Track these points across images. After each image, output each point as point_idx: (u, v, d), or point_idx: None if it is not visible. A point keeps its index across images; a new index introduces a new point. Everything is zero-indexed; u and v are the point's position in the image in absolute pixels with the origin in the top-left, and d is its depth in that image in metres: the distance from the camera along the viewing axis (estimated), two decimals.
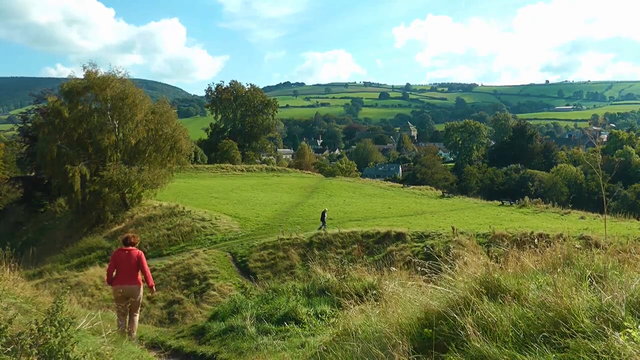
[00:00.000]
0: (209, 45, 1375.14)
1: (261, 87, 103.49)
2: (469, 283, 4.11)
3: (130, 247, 8.59)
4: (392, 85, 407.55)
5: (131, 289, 8.44)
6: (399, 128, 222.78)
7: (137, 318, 8.71)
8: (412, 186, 56.96)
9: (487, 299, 3.72)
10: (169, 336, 9.43)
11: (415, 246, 23.35)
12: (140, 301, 8.78)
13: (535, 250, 4.85)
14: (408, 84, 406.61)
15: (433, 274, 4.89)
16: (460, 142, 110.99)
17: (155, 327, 12.88)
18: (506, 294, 3.74)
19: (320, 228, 27.45)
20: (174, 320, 19.32)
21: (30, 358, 3.95)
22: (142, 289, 8.66)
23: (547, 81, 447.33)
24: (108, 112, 34.27)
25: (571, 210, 35.13)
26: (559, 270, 3.94)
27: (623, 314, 3.06)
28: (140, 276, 8.57)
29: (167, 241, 28.29)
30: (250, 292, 10.06)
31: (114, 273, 8.55)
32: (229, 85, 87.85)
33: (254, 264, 24.00)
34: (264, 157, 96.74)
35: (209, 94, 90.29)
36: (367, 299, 5.80)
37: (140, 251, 8.70)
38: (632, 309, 3.14)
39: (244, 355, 6.95)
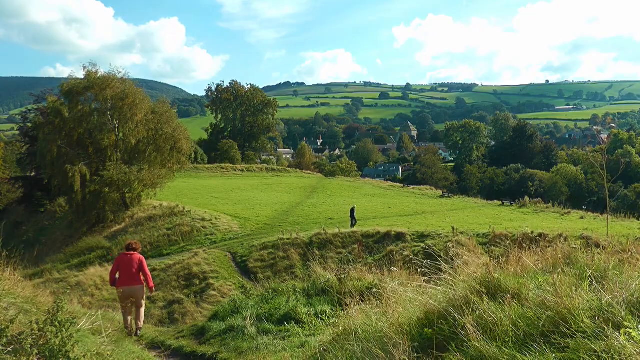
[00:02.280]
0: (208, 45, 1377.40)
1: (261, 87, 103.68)
2: (469, 283, 4.11)
3: (132, 252, 9.30)
4: (392, 85, 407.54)
5: (134, 289, 9.14)
6: (399, 128, 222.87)
7: (142, 310, 9.46)
8: (412, 186, 56.92)
9: (487, 298, 3.73)
10: (169, 336, 9.44)
11: (416, 246, 23.34)
12: (144, 298, 9.52)
13: (535, 250, 4.85)
14: (408, 84, 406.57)
15: (433, 274, 4.90)
16: (460, 142, 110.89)
17: (155, 327, 12.88)
18: (506, 293, 3.74)
19: (352, 225, 27.89)
20: (174, 320, 19.32)
21: (31, 358, 3.95)
22: (144, 288, 9.38)
23: (547, 81, 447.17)
24: (108, 112, 34.25)
25: (571, 210, 35.13)
26: (559, 270, 3.94)
27: (623, 313, 3.06)
28: (141, 277, 9.27)
29: (167, 241, 28.28)
30: (251, 292, 10.05)
31: (117, 275, 9.25)
32: (229, 85, 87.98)
33: (254, 264, 24.00)
34: (264, 157, 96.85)
35: (209, 94, 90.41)
36: (368, 299, 5.80)
37: (142, 256, 9.43)
38: (632, 308, 3.14)
39: (244, 355, 6.95)
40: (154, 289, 9.65)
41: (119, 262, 9.23)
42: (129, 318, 9.17)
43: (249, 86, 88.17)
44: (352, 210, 29.14)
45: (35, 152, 37.63)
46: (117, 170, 32.74)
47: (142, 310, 9.46)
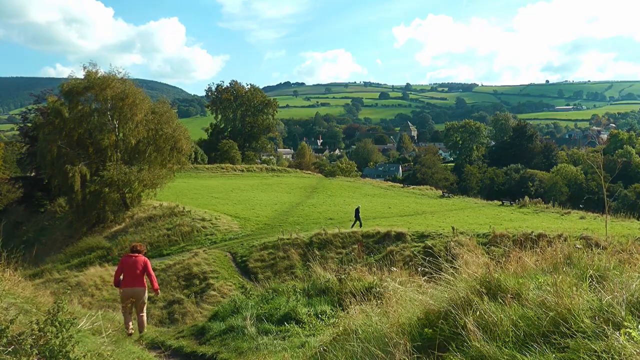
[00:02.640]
0: (208, 45, 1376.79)
1: (261, 87, 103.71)
2: (470, 283, 4.11)
3: (137, 254, 9.38)
4: (392, 85, 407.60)
5: (135, 290, 9.18)
6: (399, 128, 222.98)
7: (144, 317, 9.50)
8: (412, 186, 56.94)
9: (487, 298, 3.72)
10: (169, 336, 9.44)
11: (416, 246, 23.35)
12: (145, 302, 9.53)
13: (535, 250, 4.85)
14: (408, 84, 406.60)
15: (433, 274, 4.90)
16: (460, 142, 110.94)
17: (156, 327, 12.88)
18: (506, 293, 3.74)
19: (354, 225, 28.03)
20: (174, 320, 19.33)
21: (31, 358, 3.95)
22: (145, 291, 9.42)
23: (547, 81, 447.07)
24: (108, 112, 34.27)
25: (571, 210, 35.13)
26: (559, 270, 3.94)
27: (623, 314, 3.06)
28: (145, 280, 9.33)
29: (167, 241, 28.29)
30: (251, 292, 10.04)
31: (121, 277, 9.32)
32: (229, 85, 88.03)
33: (254, 264, 24.01)
34: (264, 157, 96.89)
35: (209, 94, 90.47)
36: (368, 299, 5.80)
37: (146, 258, 9.50)
38: (632, 309, 3.14)
39: (244, 355, 6.95)
40: (159, 291, 9.76)
41: (123, 263, 9.33)
42: (129, 319, 9.19)
43: (249, 86, 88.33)
44: (357, 210, 29.18)
45: (35, 152, 37.64)
46: (117, 171, 32.75)
47: (144, 317, 9.48)
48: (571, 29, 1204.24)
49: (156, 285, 9.49)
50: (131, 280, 9.13)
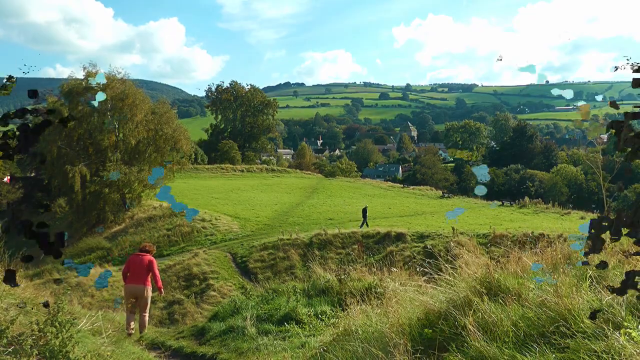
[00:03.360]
0: (208, 45, 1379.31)
1: (261, 87, 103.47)
2: (470, 283, 4.11)
3: (145, 253, 9.54)
4: (392, 86, 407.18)
5: (138, 288, 9.30)
6: (399, 128, 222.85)
7: (146, 318, 9.56)
8: (412, 186, 56.93)
9: (487, 299, 3.73)
10: (169, 337, 9.44)
11: (416, 246, 23.35)
12: (149, 301, 9.58)
13: (535, 250, 4.85)
14: (408, 84, 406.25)
15: (434, 274, 4.90)
16: (460, 142, 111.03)
17: (156, 328, 12.87)
18: (507, 294, 3.74)
19: (362, 226, 28.02)
20: (174, 320, 19.32)
21: (31, 359, 3.95)
22: (149, 290, 9.48)
23: (547, 81, 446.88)
24: (108, 113, 34.28)
25: (571, 210, 35.13)
26: (559, 270, 3.95)
27: (623, 314, 3.06)
28: (149, 279, 9.45)
29: (167, 241, 28.30)
30: (251, 293, 10.06)
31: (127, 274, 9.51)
32: (229, 85, 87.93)
33: (254, 264, 24.00)
34: (264, 158, 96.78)
35: (209, 94, 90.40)
36: (368, 299, 5.80)
37: (153, 258, 9.64)
38: (632, 309, 3.15)
39: (245, 355, 6.94)
40: (162, 290, 9.85)
41: (129, 261, 9.54)
42: (132, 319, 9.22)
43: (248, 86, 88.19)
44: (364, 210, 29.21)
45: (35, 153, 37.61)
46: (117, 171, 32.76)
47: (147, 317, 9.53)
48: (571, 29, 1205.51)
49: (159, 284, 9.62)
50: (135, 278, 9.27)
